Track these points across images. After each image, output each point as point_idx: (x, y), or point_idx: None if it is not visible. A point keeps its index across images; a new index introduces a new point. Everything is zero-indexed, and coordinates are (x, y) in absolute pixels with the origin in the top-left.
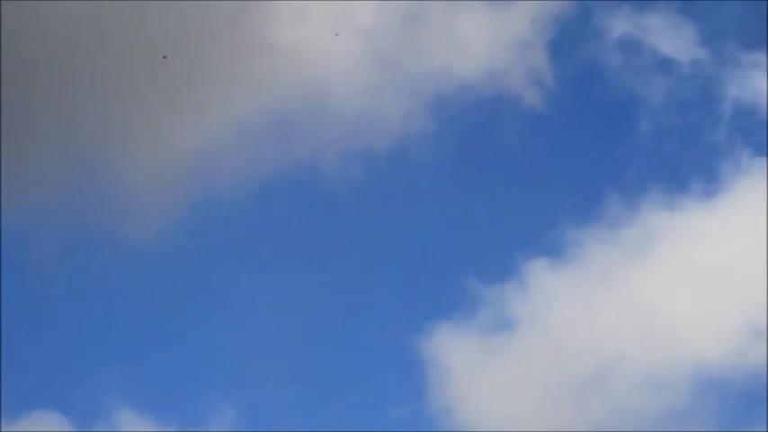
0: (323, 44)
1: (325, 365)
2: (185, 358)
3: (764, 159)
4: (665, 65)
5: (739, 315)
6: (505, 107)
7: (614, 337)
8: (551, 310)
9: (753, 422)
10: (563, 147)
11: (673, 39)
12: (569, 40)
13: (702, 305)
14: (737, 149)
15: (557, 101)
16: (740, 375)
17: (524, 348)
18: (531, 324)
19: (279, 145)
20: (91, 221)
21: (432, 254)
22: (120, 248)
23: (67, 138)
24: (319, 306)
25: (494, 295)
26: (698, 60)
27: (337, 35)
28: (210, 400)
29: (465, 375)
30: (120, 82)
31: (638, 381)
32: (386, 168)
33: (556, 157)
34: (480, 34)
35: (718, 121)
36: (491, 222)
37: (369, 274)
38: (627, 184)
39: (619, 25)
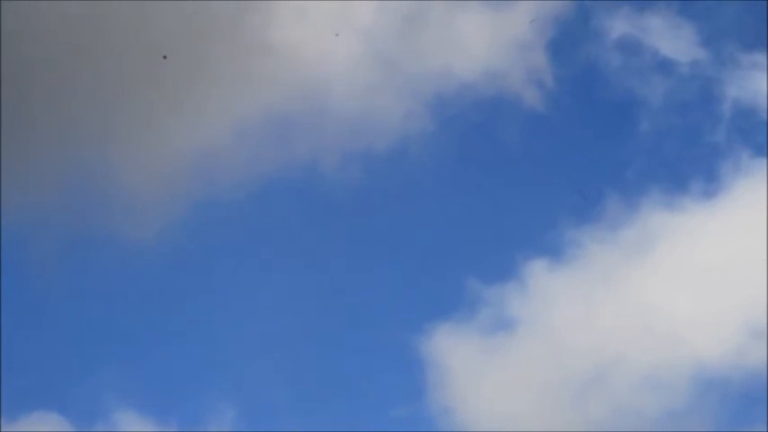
0: (323, 44)
1: (325, 365)
2: (185, 358)
3: (764, 159)
4: (665, 65)
5: (739, 315)
6: (505, 107)
7: (614, 338)
8: (551, 311)
9: (753, 422)
10: (563, 147)
11: (672, 39)
12: (569, 40)
13: (702, 305)
14: (737, 150)
15: (556, 101)
16: (740, 375)
17: (524, 348)
18: (531, 324)
19: (279, 145)
20: (91, 221)
21: (432, 254)
22: (120, 248)
23: (67, 138)
24: (319, 306)
25: (494, 295)
26: (698, 61)
27: (337, 35)
28: (210, 400)
29: (465, 375)
30: (120, 82)
31: (638, 381)
32: (386, 168)
33: (556, 158)
34: (480, 34)
35: (718, 122)
36: (491, 222)
37: (369, 274)
38: (627, 184)
39: (618, 26)
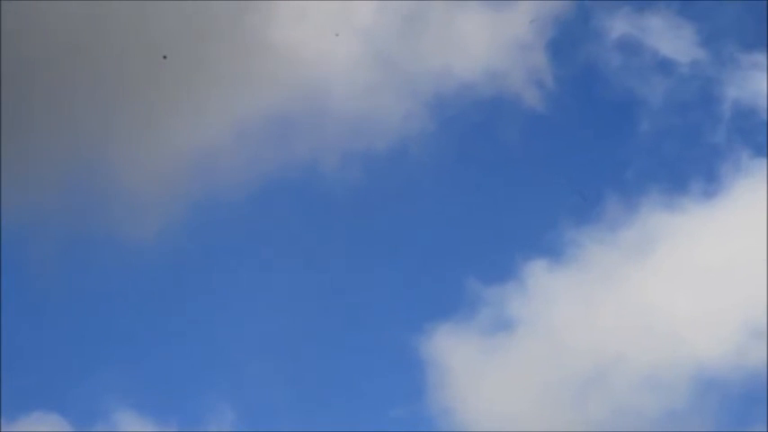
0: (323, 44)
1: (325, 366)
2: (185, 358)
3: (764, 160)
4: (665, 65)
5: (739, 315)
6: (505, 107)
7: (614, 338)
8: (551, 311)
9: (753, 423)
10: (563, 147)
11: (672, 39)
12: (569, 40)
13: (702, 305)
14: (737, 150)
15: (556, 101)
16: (740, 376)
17: (524, 349)
18: (531, 324)
19: (279, 145)
20: (91, 221)
21: (432, 254)
22: (120, 248)
23: (67, 138)
24: (319, 306)
25: (493, 296)
26: (697, 61)
27: (337, 35)
28: (210, 400)
29: (465, 376)
30: (120, 82)
31: (638, 381)
32: (386, 169)
33: (556, 158)
34: (480, 34)
35: (718, 122)
36: (491, 223)
37: (369, 274)
38: (627, 184)
39: (618, 26)
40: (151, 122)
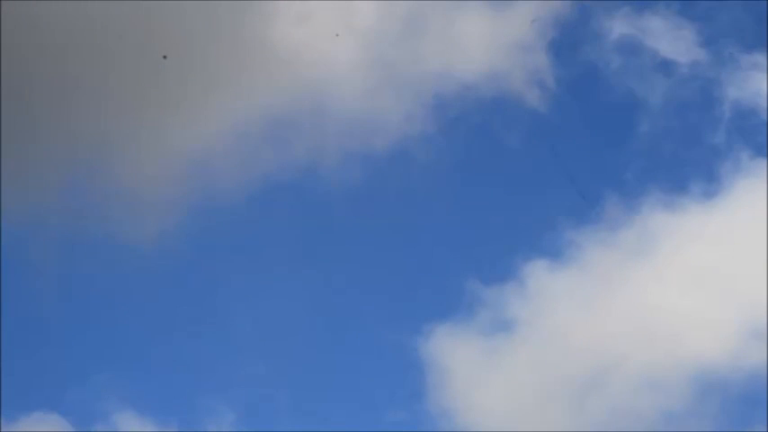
0: (323, 45)
1: (325, 366)
2: (185, 359)
3: (764, 160)
4: (665, 66)
5: (739, 316)
6: (506, 108)
7: (614, 338)
8: (551, 312)
9: (753, 423)
10: (563, 147)
11: (672, 40)
12: (569, 41)
13: (702, 306)
14: (737, 150)
15: (557, 102)
16: (740, 377)
17: (524, 349)
18: (531, 325)
19: (279, 146)
20: (91, 222)
21: (431, 254)
22: (119, 249)
23: (67, 138)
24: (318, 308)
25: (493, 296)
26: (697, 61)
27: (337, 35)
28: (210, 400)
29: (464, 376)
30: (120, 82)
31: (638, 382)
32: (386, 170)
33: (556, 158)
34: (481, 36)
35: (718, 123)
36: (491, 223)
37: (368, 275)
38: (627, 185)
39: (619, 26)
40: (151, 123)
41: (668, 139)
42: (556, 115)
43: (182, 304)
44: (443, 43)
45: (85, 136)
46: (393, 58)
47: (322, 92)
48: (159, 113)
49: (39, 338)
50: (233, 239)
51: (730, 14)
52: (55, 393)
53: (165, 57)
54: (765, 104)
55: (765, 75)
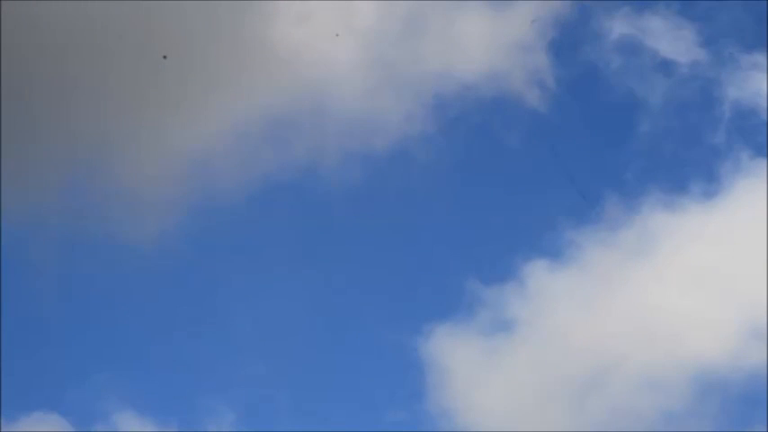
0: (323, 45)
1: (325, 366)
2: (185, 359)
3: (764, 160)
4: (665, 66)
5: (739, 316)
6: (506, 108)
7: (614, 339)
8: (551, 312)
9: (753, 423)
10: (563, 147)
11: (672, 40)
12: (569, 41)
13: (702, 306)
14: (737, 150)
15: (557, 102)
16: (740, 377)
17: (524, 349)
18: (531, 325)
19: (278, 146)
20: (91, 222)
21: (431, 255)
22: (119, 249)
23: (67, 138)
24: (318, 308)
25: (493, 296)
26: (697, 61)
27: (337, 35)
28: (210, 400)
29: (464, 376)
30: (120, 82)
31: (638, 382)
32: (386, 170)
33: (556, 158)
34: (481, 36)
35: (718, 123)
36: (491, 223)
37: (368, 275)
38: (627, 185)
39: (619, 26)
40: (151, 122)
41: (668, 139)
42: (556, 115)
43: (182, 304)
44: (443, 43)
45: (85, 136)
46: (393, 58)
47: (322, 92)
48: (159, 113)
49: (39, 338)
50: (233, 239)
51: (730, 14)
52: (55, 393)
53: (165, 57)
54: (765, 104)
55: (765, 75)
